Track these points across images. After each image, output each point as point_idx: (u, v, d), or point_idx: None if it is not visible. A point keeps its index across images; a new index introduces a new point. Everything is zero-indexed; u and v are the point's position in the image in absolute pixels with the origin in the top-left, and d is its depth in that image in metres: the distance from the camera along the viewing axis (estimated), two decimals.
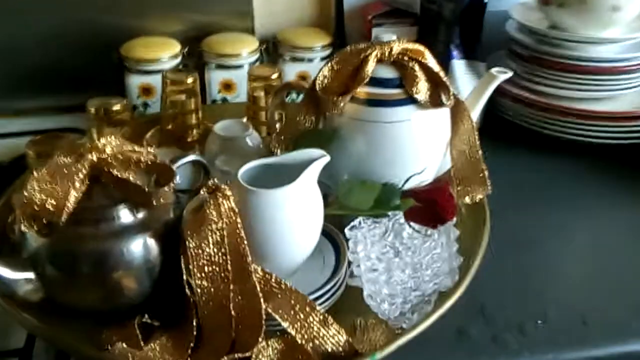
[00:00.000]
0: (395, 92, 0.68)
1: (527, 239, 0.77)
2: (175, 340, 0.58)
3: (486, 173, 0.72)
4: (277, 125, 0.75)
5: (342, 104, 0.66)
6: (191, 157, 0.69)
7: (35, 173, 0.55)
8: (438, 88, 0.67)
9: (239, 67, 1.09)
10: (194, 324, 0.58)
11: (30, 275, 0.58)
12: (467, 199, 0.72)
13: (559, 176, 0.90)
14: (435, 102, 0.66)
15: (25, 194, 0.53)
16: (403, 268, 0.60)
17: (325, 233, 0.68)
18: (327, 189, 0.70)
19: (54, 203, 0.54)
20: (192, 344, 0.57)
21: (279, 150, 0.71)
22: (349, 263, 0.65)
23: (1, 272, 0.57)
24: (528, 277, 0.71)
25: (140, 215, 0.60)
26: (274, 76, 0.95)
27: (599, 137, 0.92)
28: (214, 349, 0.57)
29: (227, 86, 1.13)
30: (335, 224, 0.68)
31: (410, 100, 0.67)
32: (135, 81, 1.07)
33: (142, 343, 0.56)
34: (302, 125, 0.70)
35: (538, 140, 0.96)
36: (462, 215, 0.73)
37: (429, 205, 0.62)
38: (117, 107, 0.87)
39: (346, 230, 0.65)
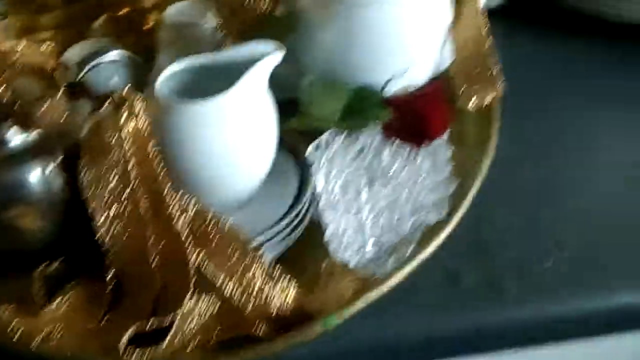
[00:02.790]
0: None
1: (543, 154, 0.61)
2: (90, 297, 0.47)
3: (497, 69, 0.56)
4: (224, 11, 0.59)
5: None
6: (111, 55, 0.54)
7: None
8: None
9: None
10: (110, 275, 0.46)
11: None
12: (471, 104, 0.57)
13: (590, 67, 0.73)
14: None
15: None
16: (374, 203, 0.46)
17: (291, 149, 0.54)
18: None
19: None
20: (108, 302, 0.46)
21: (229, 41, 0.56)
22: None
23: None
24: (539, 202, 0.57)
25: (36, 135, 0.46)
26: None
27: None
28: (134, 308, 0.46)
29: None
30: (309, 137, 0.54)
31: None
32: None
33: (42, 302, 0.45)
34: (255, 11, 0.54)
35: (569, 21, 0.78)
36: (464, 125, 0.58)
37: (411, 117, 0.47)
38: None
39: (309, 150, 0.51)
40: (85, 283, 0.48)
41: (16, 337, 0.42)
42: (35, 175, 0.46)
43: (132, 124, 0.43)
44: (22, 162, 0.46)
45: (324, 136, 0.53)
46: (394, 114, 0.48)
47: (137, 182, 0.43)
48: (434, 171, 0.49)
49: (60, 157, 0.47)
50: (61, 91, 0.45)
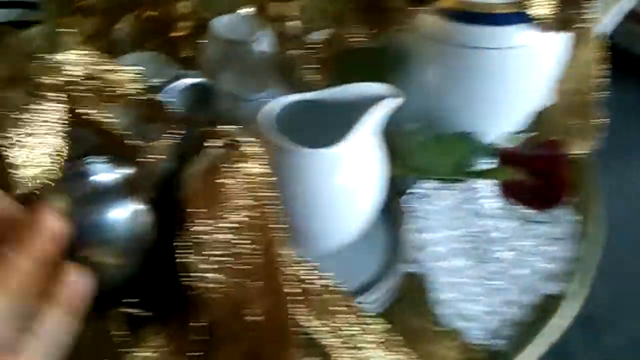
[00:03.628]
0: (500, 4, 0.51)
1: None
2: (174, 346, 0.46)
3: (598, 121, 0.58)
4: (313, 38, 0.59)
5: (417, 16, 0.50)
6: (192, 79, 0.54)
7: None
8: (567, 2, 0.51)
9: None
10: (199, 325, 0.46)
11: None
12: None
13: None
14: (560, 23, 0.50)
15: None
16: (497, 270, 0.47)
17: None
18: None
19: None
20: (195, 353, 0.45)
21: (313, 75, 0.56)
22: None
23: None
24: None
25: (124, 170, 0.46)
26: None
27: None
28: None
29: None
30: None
31: (522, 17, 0.51)
32: None
33: (123, 344, 0.44)
34: (351, 41, 0.54)
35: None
36: None
37: (539, 179, 0.48)
38: None
39: (406, 201, 0.51)
40: (168, 330, 0.47)
41: None
42: (121, 214, 0.46)
43: (247, 169, 0.43)
44: (108, 199, 0.45)
45: (422, 186, 0.53)
46: (514, 174, 0.48)
47: (250, 234, 0.43)
48: (555, 238, 0.49)
49: (150, 193, 0.47)
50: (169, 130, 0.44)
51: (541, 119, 0.59)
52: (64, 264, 0.35)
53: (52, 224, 0.36)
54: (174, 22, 0.83)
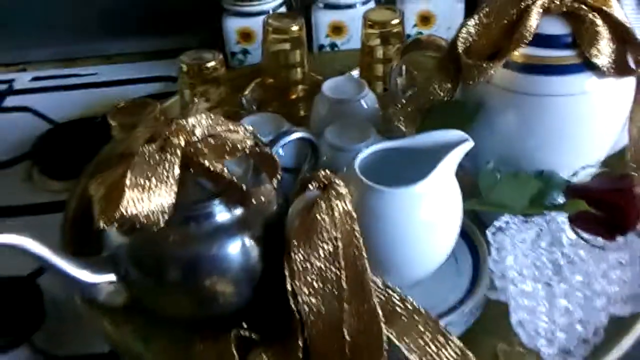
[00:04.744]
0: (565, 55, 0.55)
1: None
2: None
3: None
4: (402, 94, 0.65)
5: (492, 72, 0.56)
6: (297, 134, 0.62)
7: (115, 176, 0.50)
8: (626, 48, 0.55)
9: (351, 6, 1.01)
10: (300, 344, 0.52)
11: (111, 277, 0.55)
12: None
13: None
14: (621, 68, 0.54)
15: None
16: (567, 292, 0.50)
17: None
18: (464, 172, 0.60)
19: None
20: None
21: (403, 126, 0.62)
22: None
23: (80, 276, 0.53)
24: None
25: (239, 211, 0.53)
26: (394, 21, 0.86)
27: None
28: None
29: (337, 29, 1.05)
30: (471, 217, 0.60)
31: (587, 66, 0.55)
32: (233, 25, 1.01)
33: None
34: (435, 95, 0.60)
35: None
36: None
37: (604, 210, 0.51)
38: (211, 64, 0.81)
39: (489, 234, 0.56)
40: (273, 347, 0.52)
41: None
42: (235, 248, 0.53)
43: (340, 207, 0.50)
44: (224, 236, 0.52)
45: (503, 220, 0.57)
46: (585, 206, 0.52)
47: (342, 262, 0.50)
48: (630, 263, 0.52)
49: (260, 230, 0.54)
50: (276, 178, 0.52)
51: (613, 156, 0.62)
52: None
53: None
54: (291, 86, 0.93)
